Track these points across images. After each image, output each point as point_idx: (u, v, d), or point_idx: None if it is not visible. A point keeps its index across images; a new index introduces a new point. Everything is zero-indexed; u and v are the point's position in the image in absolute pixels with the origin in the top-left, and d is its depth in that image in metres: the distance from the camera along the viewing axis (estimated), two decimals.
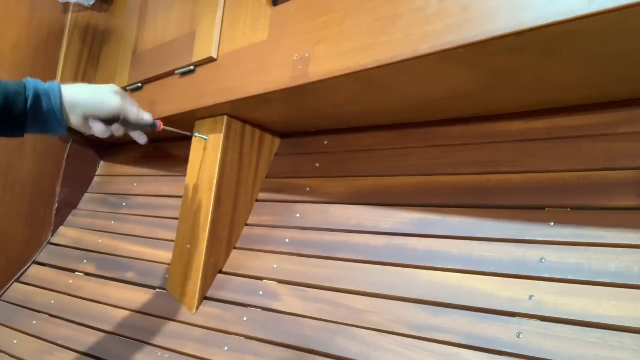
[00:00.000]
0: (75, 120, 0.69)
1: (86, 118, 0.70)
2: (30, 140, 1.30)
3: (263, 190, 1.05)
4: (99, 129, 0.71)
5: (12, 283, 1.28)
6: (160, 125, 0.82)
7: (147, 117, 0.77)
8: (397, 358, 0.68)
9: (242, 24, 0.89)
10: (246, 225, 1.02)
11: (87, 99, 0.69)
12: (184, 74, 1.00)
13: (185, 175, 1.03)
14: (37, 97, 0.65)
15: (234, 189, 0.99)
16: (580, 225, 0.65)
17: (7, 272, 1.28)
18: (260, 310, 0.86)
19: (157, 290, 1.03)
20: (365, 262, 0.81)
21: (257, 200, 1.04)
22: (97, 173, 1.48)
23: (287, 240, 0.93)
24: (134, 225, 1.22)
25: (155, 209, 1.21)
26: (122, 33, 1.29)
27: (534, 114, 0.75)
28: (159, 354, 0.89)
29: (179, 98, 0.99)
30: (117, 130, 0.74)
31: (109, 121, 0.72)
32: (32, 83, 0.66)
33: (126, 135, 0.79)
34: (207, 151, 0.99)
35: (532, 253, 0.66)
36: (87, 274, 1.19)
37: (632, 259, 0.59)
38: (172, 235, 1.05)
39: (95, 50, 1.38)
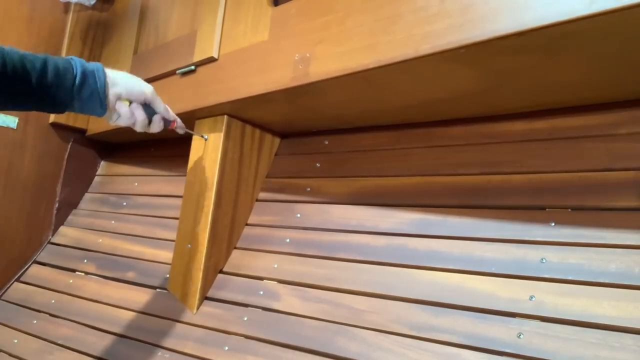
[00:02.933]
0: (110, 100, 0.72)
1: (118, 98, 0.73)
2: (31, 139, 1.30)
3: (263, 190, 1.05)
4: (124, 112, 0.74)
5: (13, 282, 1.28)
6: (174, 124, 0.84)
7: (171, 112, 0.83)
8: (398, 358, 0.68)
9: (243, 23, 0.89)
10: (246, 225, 1.02)
11: (126, 80, 0.73)
12: (184, 73, 1.00)
13: (185, 175, 1.03)
14: (84, 76, 0.67)
15: (234, 188, 0.99)
16: (581, 225, 0.65)
17: (7, 271, 1.28)
18: (260, 310, 0.86)
19: (157, 290, 1.03)
20: (365, 262, 0.81)
21: (257, 200, 1.04)
22: (97, 173, 1.48)
23: (288, 240, 0.93)
24: (135, 225, 1.22)
25: (156, 209, 1.21)
26: (123, 33, 1.29)
27: (535, 115, 0.75)
28: (160, 353, 0.89)
29: (179, 98, 0.99)
30: (140, 115, 0.76)
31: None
32: (79, 62, 0.68)
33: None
34: (207, 151, 0.99)
35: (532, 253, 0.66)
36: (87, 273, 1.19)
37: (633, 260, 0.59)
38: (172, 235, 1.05)
39: (96, 50, 1.38)
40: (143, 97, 0.75)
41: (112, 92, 0.71)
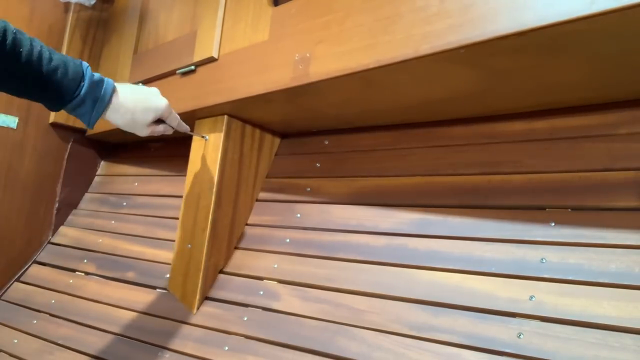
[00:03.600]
0: (120, 122, 0.73)
1: (132, 119, 0.74)
2: (31, 140, 1.30)
3: (263, 190, 1.05)
4: (142, 132, 0.76)
5: (13, 282, 1.28)
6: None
7: (185, 125, 0.84)
8: (397, 358, 0.68)
9: (243, 23, 0.89)
10: (246, 225, 1.02)
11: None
12: (184, 73, 1.00)
13: (185, 175, 1.03)
14: (88, 93, 0.67)
15: (234, 188, 0.99)
16: (581, 225, 0.65)
17: (7, 271, 1.28)
18: (260, 310, 0.86)
19: (157, 290, 1.03)
20: (365, 262, 0.81)
21: (257, 200, 1.04)
22: (97, 173, 1.48)
23: (288, 240, 0.93)
24: (135, 225, 1.22)
25: (156, 209, 1.21)
26: (122, 33, 1.29)
27: (535, 115, 0.75)
28: (160, 353, 0.89)
29: (179, 98, 0.99)
30: (156, 129, 0.78)
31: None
32: (89, 77, 0.68)
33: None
34: (207, 151, 0.99)
35: (532, 253, 0.66)
36: (87, 273, 1.19)
37: (633, 260, 0.59)
38: (172, 235, 1.05)
39: (96, 49, 1.38)
40: (156, 116, 0.76)
41: (111, 118, 0.72)
